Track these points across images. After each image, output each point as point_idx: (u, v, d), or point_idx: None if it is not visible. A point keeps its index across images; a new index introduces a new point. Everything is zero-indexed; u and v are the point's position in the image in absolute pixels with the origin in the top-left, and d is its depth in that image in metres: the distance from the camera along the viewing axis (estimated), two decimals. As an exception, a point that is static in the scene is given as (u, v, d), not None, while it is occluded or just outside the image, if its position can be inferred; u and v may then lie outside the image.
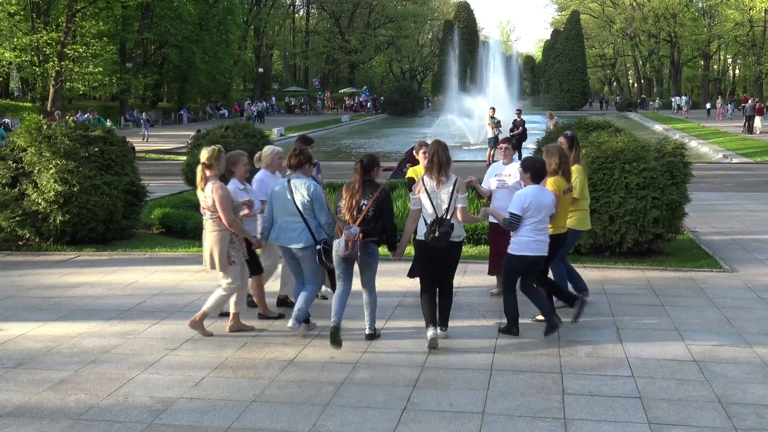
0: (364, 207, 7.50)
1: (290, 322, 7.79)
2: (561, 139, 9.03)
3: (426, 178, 7.60)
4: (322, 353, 7.43)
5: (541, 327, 8.01)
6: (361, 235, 7.38)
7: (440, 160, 7.51)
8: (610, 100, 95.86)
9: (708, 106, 60.26)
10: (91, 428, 5.77)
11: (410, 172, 10.28)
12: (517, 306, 7.97)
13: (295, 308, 7.85)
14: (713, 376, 6.73)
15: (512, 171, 9.62)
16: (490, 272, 9.74)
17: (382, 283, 10.18)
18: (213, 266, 7.87)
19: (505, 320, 8.08)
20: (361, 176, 7.60)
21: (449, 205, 7.47)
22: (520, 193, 7.85)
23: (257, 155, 9.06)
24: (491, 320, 8.51)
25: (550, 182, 8.06)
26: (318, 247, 7.69)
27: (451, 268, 7.90)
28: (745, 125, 43.05)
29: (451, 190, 7.48)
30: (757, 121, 42.24)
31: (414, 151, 10.21)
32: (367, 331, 7.88)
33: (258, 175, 8.88)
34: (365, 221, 7.50)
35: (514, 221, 7.71)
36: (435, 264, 7.71)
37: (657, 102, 78.21)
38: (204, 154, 7.88)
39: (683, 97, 71.08)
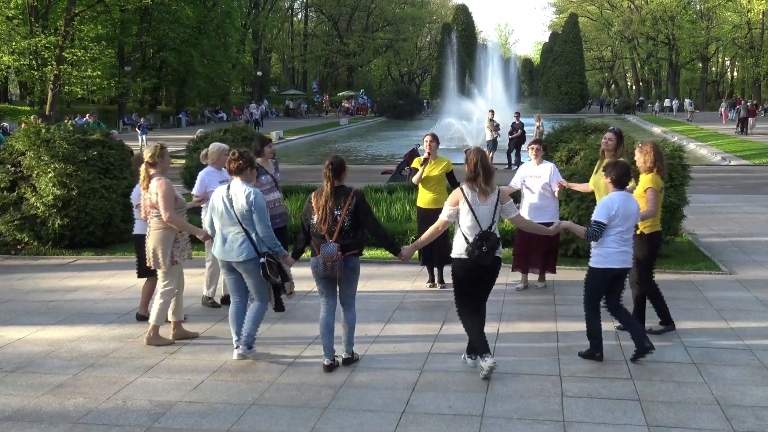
0: (338, 217, 6.84)
1: (240, 350, 7.23)
2: (609, 135, 8.83)
3: (466, 189, 6.84)
4: (321, 356, 7.42)
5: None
6: (339, 252, 6.77)
7: (486, 169, 6.81)
8: (610, 102, 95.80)
9: (722, 110, 59.50)
10: (90, 432, 5.77)
11: (415, 163, 10.29)
12: (601, 328, 7.26)
13: (244, 332, 7.24)
14: (712, 378, 6.74)
15: (542, 172, 9.76)
16: (515, 269, 10.15)
17: (380, 286, 10.22)
18: (157, 265, 7.79)
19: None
20: (331, 182, 6.91)
21: (494, 217, 6.84)
22: (606, 199, 7.12)
23: (203, 152, 9.10)
24: (490, 322, 8.50)
25: (647, 180, 7.69)
26: (261, 260, 7.05)
27: (490, 286, 7.20)
28: (738, 126, 43.95)
29: (495, 201, 6.82)
30: (750, 122, 43.75)
31: (427, 145, 10.16)
32: (344, 355, 7.21)
33: (201, 172, 8.92)
34: (342, 233, 6.84)
35: (599, 230, 7.04)
36: (477, 284, 7.02)
37: (657, 105, 77.32)
38: (147, 153, 7.94)
39: (687, 99, 71.11)
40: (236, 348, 7.31)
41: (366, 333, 8.13)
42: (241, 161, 7.15)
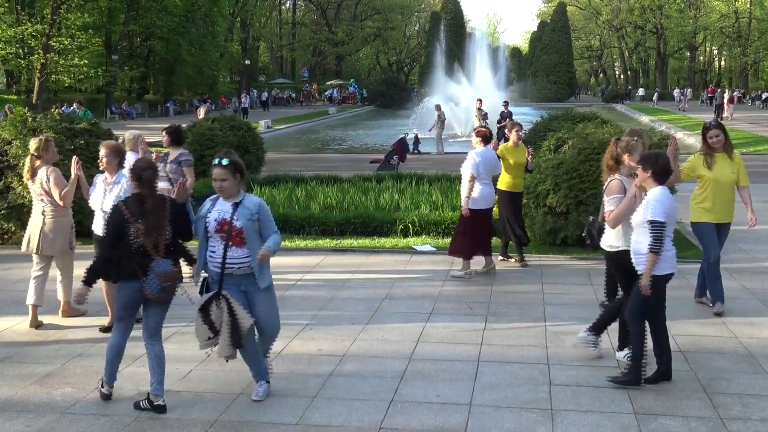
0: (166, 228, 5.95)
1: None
2: (714, 131, 8.38)
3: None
4: (310, 346, 7.42)
5: (532, 322, 8.01)
6: (178, 272, 5.97)
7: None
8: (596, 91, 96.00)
9: (725, 98, 59.38)
10: (78, 422, 5.75)
11: (501, 150, 10.67)
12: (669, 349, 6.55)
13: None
14: (699, 367, 6.77)
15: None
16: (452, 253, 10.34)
17: (368, 275, 10.22)
18: (53, 252, 7.99)
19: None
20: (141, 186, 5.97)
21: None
22: (657, 196, 6.20)
23: (121, 140, 9.25)
24: (478, 312, 8.52)
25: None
26: None
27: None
28: (715, 113, 45.76)
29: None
30: (727, 110, 47.08)
31: (506, 131, 10.97)
32: (151, 398, 5.92)
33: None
34: (168, 248, 5.98)
35: (660, 231, 6.16)
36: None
37: (656, 95, 74.49)
38: (32, 144, 7.98)
39: (676, 91, 71.35)
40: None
41: (354, 322, 8.14)
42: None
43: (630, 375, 6.31)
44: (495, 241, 10.69)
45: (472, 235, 10.04)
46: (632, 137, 7.16)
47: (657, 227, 6.10)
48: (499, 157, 10.39)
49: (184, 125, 16.75)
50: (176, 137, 9.95)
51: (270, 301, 6.11)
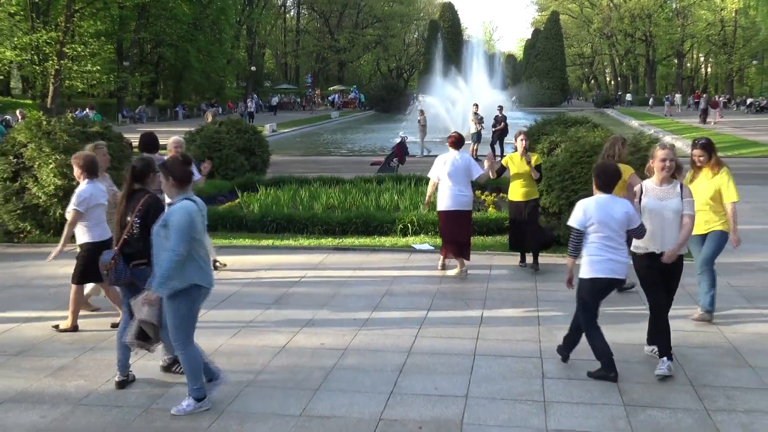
0: (127, 223, 6.16)
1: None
2: (697, 152, 8.45)
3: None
4: (313, 340, 7.43)
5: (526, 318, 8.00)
6: (113, 261, 6.11)
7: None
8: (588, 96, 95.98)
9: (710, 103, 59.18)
10: (91, 413, 5.76)
11: (506, 161, 10.50)
12: (606, 344, 6.43)
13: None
14: (685, 360, 6.77)
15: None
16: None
17: (369, 273, 10.22)
18: None
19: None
20: (129, 185, 6.20)
21: None
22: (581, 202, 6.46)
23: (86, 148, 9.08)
24: (474, 308, 8.53)
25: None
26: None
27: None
28: (700, 117, 47.11)
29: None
30: (711, 114, 47.58)
31: (514, 139, 10.47)
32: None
33: None
34: (129, 241, 6.16)
35: (573, 235, 6.46)
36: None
37: (651, 99, 74.54)
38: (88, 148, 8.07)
39: (677, 95, 71.53)
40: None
41: (355, 318, 8.14)
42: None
43: (602, 371, 6.33)
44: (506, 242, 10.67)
45: (442, 235, 10.32)
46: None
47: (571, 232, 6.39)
48: (504, 167, 10.41)
49: (192, 129, 16.76)
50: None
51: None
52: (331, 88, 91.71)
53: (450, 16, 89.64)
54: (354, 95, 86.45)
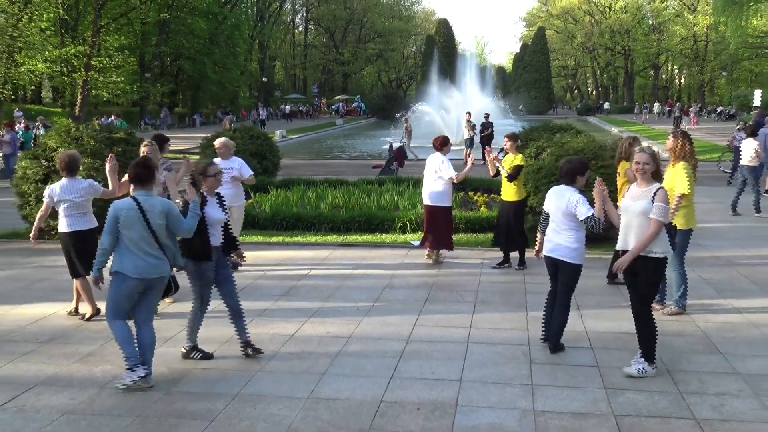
0: None
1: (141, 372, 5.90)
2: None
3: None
4: (319, 329, 7.43)
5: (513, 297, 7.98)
6: None
7: None
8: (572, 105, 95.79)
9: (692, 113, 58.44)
10: (115, 395, 5.75)
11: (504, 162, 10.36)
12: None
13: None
14: (662, 348, 6.75)
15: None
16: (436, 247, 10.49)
17: (370, 267, 10.21)
18: None
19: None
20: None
21: None
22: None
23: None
24: (468, 299, 8.52)
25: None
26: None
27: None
28: (673, 124, 48.38)
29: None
30: (685, 120, 49.47)
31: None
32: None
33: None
34: None
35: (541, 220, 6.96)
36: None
37: (636, 107, 72.12)
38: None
39: (655, 104, 71.39)
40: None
41: (359, 308, 8.14)
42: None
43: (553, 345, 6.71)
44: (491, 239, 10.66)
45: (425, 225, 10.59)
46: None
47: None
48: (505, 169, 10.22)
49: (209, 134, 16.74)
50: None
51: None
52: (336, 98, 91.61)
53: (445, 31, 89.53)
54: (357, 104, 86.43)
